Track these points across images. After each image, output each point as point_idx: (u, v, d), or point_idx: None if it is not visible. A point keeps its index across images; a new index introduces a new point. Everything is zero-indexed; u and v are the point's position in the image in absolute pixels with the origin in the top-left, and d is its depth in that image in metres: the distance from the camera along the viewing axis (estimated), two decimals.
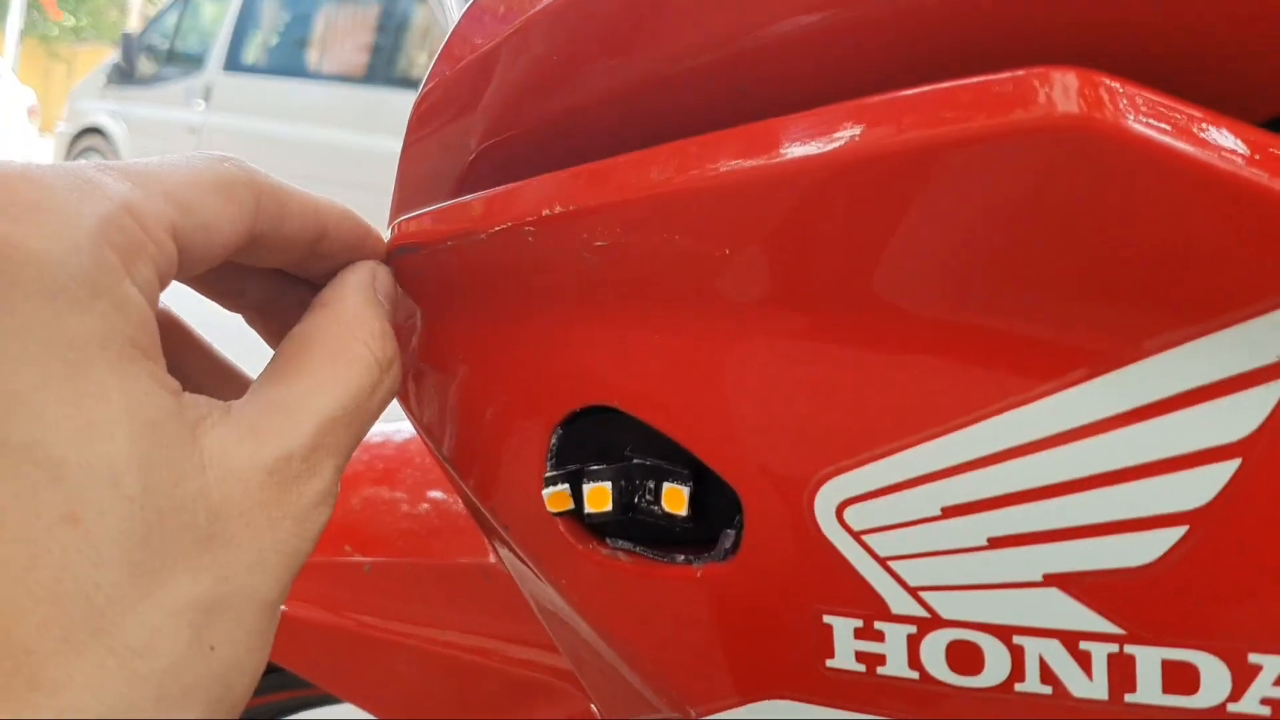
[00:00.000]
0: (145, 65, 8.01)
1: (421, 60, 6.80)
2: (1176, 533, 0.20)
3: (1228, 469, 0.19)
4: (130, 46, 8.02)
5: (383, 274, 0.27)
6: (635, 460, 0.25)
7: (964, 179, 0.19)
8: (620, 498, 0.25)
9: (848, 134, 0.20)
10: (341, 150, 6.87)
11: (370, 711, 0.47)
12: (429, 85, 0.29)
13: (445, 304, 0.28)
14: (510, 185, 0.26)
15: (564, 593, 0.26)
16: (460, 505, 0.49)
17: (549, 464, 0.26)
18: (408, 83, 6.79)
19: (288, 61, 7.43)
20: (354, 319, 0.24)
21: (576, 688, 0.39)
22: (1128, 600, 0.20)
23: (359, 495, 0.48)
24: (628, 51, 0.25)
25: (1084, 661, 0.21)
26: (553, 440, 0.26)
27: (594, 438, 0.26)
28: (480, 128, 0.29)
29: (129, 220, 0.20)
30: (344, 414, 0.22)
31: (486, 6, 0.28)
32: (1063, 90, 0.19)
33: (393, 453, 0.51)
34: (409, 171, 0.31)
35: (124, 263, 0.19)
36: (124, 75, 8.08)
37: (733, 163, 0.21)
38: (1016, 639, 0.21)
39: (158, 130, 7.75)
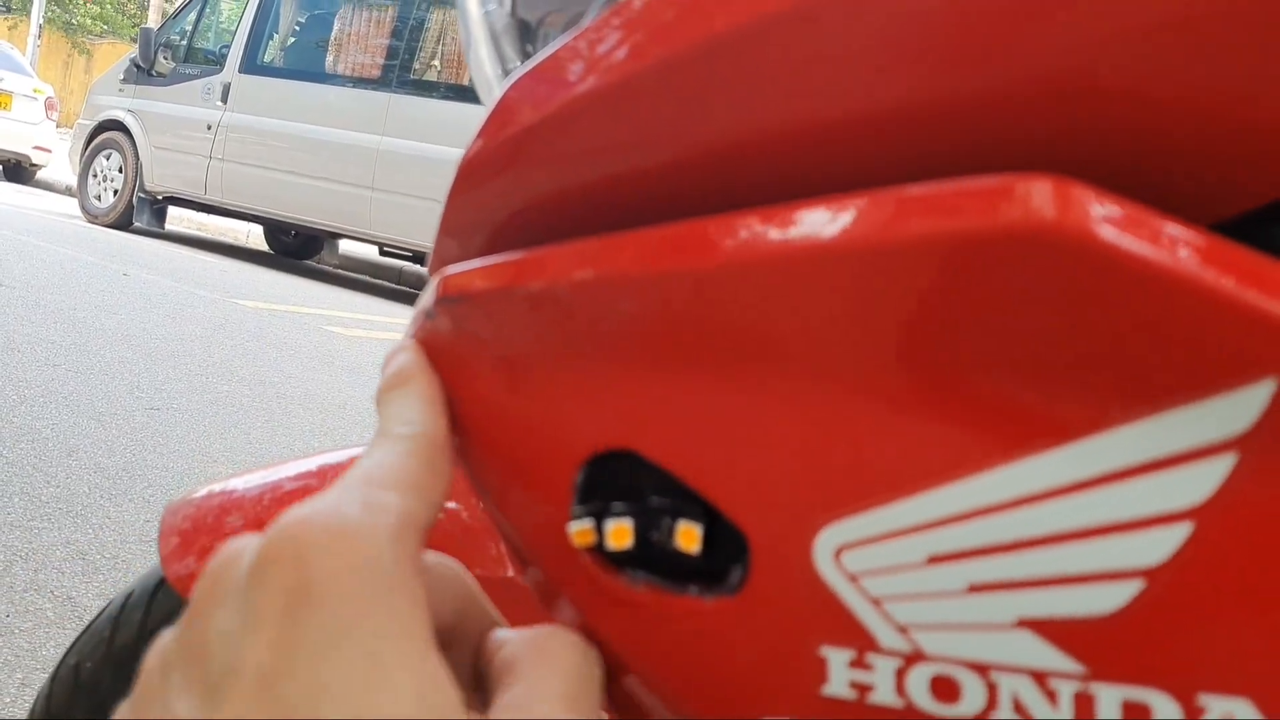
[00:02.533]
0: (163, 63, 8.07)
1: (435, 65, 6.85)
2: (1135, 586, 0.23)
3: (1181, 531, 0.22)
4: (148, 42, 8.09)
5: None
6: (654, 500, 0.28)
7: (950, 270, 0.22)
8: (639, 534, 0.28)
9: (848, 223, 0.23)
10: (355, 151, 6.92)
11: None
12: (476, 147, 0.31)
13: (487, 349, 0.31)
14: (549, 247, 0.29)
15: (586, 617, 0.29)
16: (469, 517, 0.51)
17: (574, 501, 0.29)
18: (421, 86, 6.85)
19: (304, 64, 7.49)
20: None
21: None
22: (1092, 643, 0.23)
23: None
24: (662, 136, 0.28)
25: (1052, 696, 0.24)
26: (578, 479, 0.29)
27: (615, 479, 0.29)
28: (518, 189, 0.31)
29: (409, 528, 0.25)
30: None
31: (533, 80, 0.30)
32: (1039, 196, 0.21)
33: None
34: (451, 221, 0.33)
35: (411, 564, 0.24)
36: (142, 72, 8.14)
37: (740, 242, 0.24)
38: (992, 674, 0.24)
39: (175, 127, 7.82)
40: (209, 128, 7.66)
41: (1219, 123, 0.23)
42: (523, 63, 0.40)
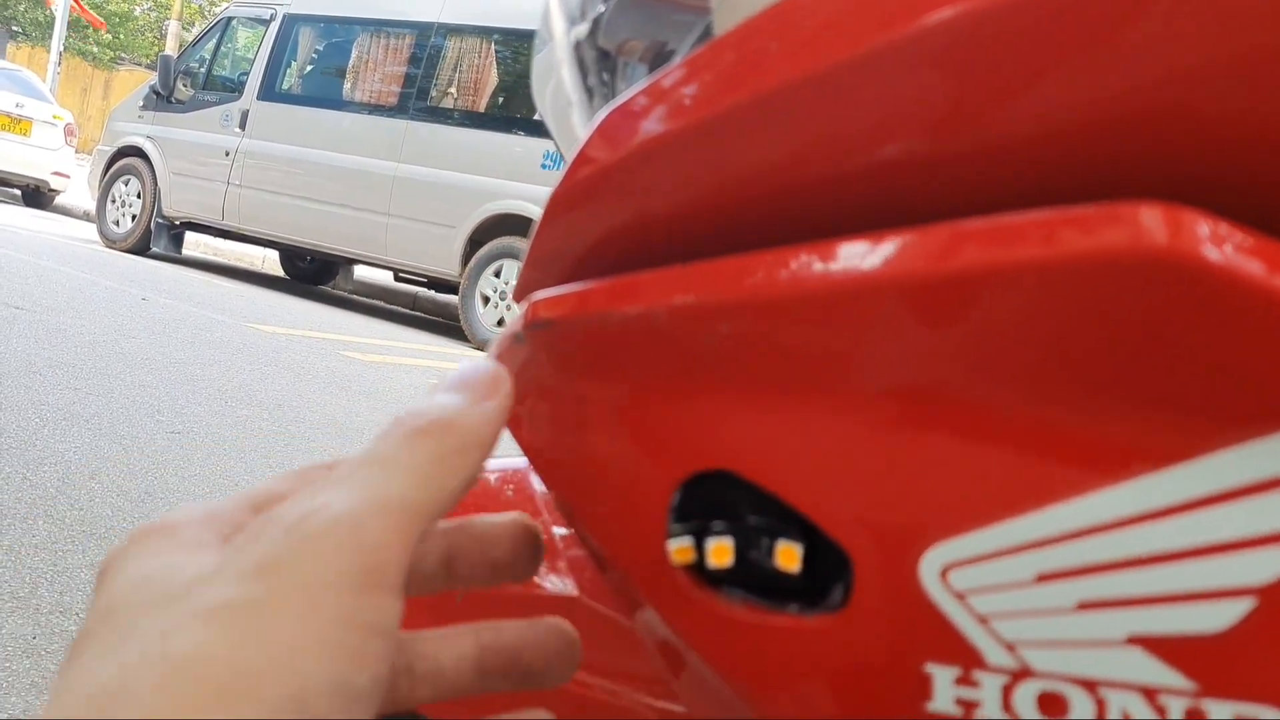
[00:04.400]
0: (182, 89, 8.15)
1: (451, 93, 6.90)
2: (1246, 604, 0.23)
3: None
4: (168, 69, 8.18)
5: None
6: (753, 520, 0.28)
7: (1062, 296, 0.23)
8: (738, 553, 0.28)
9: (952, 251, 0.24)
10: (371, 177, 6.96)
11: None
12: (566, 179, 0.32)
13: (577, 373, 0.31)
14: (641, 273, 0.30)
15: (683, 635, 0.30)
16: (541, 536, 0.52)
17: (671, 520, 0.30)
18: (437, 114, 6.90)
19: (322, 91, 7.56)
20: None
21: None
22: (1202, 660, 0.23)
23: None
24: (746, 171, 0.29)
25: (1161, 712, 0.24)
26: (675, 499, 0.30)
27: (713, 500, 0.29)
28: (602, 220, 0.32)
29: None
30: None
31: (618, 119, 0.31)
32: (1149, 221, 0.22)
33: (477, 486, 0.54)
34: (540, 249, 0.34)
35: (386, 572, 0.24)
36: (161, 99, 8.22)
37: (847, 269, 0.25)
38: (1101, 690, 0.24)
39: (193, 153, 7.89)
40: (227, 154, 7.72)
41: None
42: (599, 88, 0.41)
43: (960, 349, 0.24)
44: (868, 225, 0.27)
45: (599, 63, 0.40)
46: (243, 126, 7.73)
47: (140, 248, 8.14)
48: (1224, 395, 0.23)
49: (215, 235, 8.12)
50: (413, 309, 8.44)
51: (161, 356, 4.10)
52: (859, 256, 0.25)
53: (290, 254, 8.54)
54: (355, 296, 8.77)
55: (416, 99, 7.05)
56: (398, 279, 7.65)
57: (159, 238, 8.12)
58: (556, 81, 0.40)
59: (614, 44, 0.40)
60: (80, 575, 2.00)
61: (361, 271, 8.92)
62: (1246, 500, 0.23)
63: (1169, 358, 0.23)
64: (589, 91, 0.40)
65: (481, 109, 6.80)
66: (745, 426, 0.28)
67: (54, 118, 10.98)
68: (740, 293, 0.27)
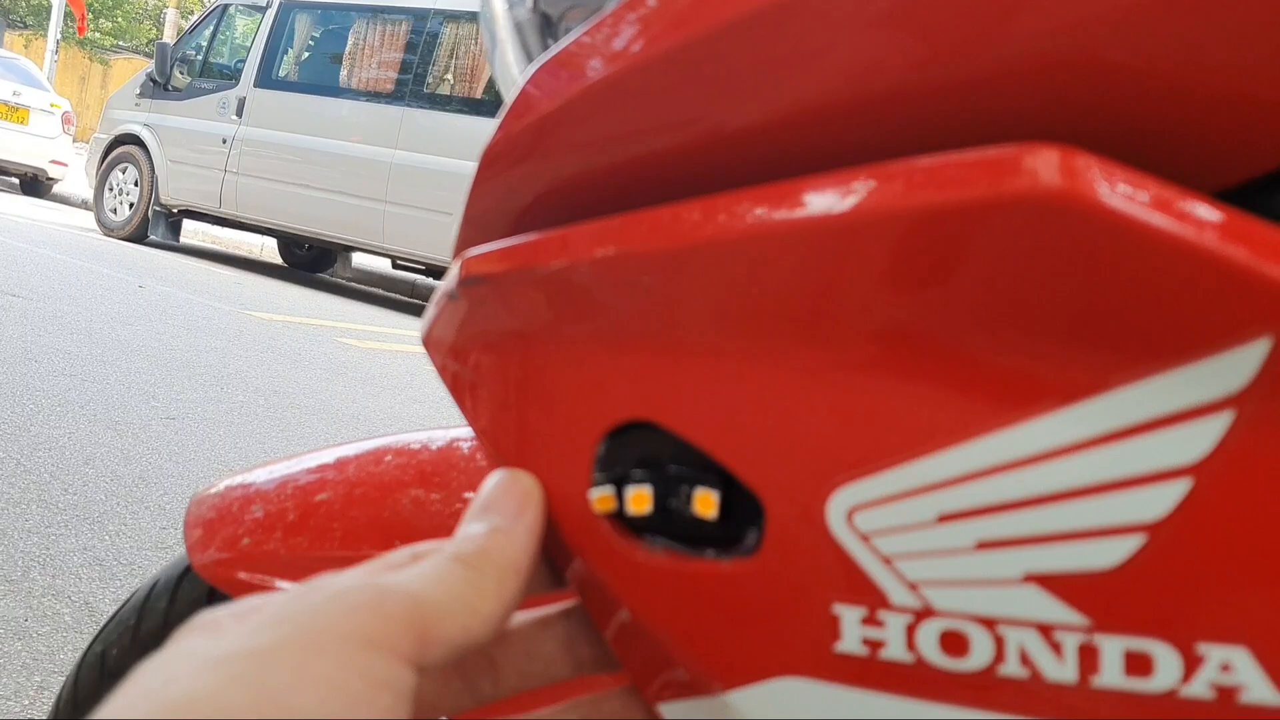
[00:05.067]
0: (179, 77, 8.14)
1: (448, 79, 6.89)
2: (1137, 540, 0.23)
3: (1181, 487, 0.23)
4: (164, 57, 8.16)
5: None
6: (672, 469, 0.29)
7: (958, 239, 0.23)
8: (658, 501, 0.29)
9: (860, 196, 0.24)
10: (368, 165, 6.96)
11: None
12: (498, 135, 0.33)
13: (507, 328, 0.32)
14: (567, 227, 0.30)
15: (608, 582, 0.30)
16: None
17: (596, 471, 0.30)
18: (434, 100, 6.89)
19: (318, 78, 7.54)
20: None
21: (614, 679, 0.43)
22: (1095, 596, 0.24)
23: (406, 494, 0.52)
24: (673, 120, 0.29)
25: (1057, 649, 0.24)
26: (600, 450, 0.30)
27: (635, 449, 0.30)
28: (539, 175, 0.32)
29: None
30: None
31: (551, 69, 0.31)
32: (1046, 165, 0.22)
33: (433, 456, 0.55)
34: (475, 207, 0.35)
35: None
36: (158, 87, 8.21)
37: (758, 217, 0.25)
38: (1000, 628, 0.25)
39: (190, 141, 7.88)
40: (224, 142, 7.71)
41: (1218, 95, 0.24)
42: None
43: (863, 294, 0.25)
44: (789, 174, 0.27)
45: (542, 30, 0.41)
46: (240, 114, 7.72)
47: (138, 236, 8.14)
48: (1116, 335, 0.23)
49: (213, 223, 8.11)
50: (411, 297, 8.44)
51: (157, 343, 4.11)
52: (761, 206, 0.25)
53: (288, 242, 8.54)
54: (353, 284, 8.77)
55: (414, 85, 7.03)
56: (396, 266, 7.65)
57: (157, 226, 8.12)
58: (500, 54, 0.40)
59: (556, 11, 0.40)
60: (73, 559, 2.01)
61: (360, 259, 8.91)
62: (1138, 438, 0.23)
63: (1064, 299, 0.23)
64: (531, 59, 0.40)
65: (479, 95, 6.78)
66: (664, 378, 0.29)
67: (52, 106, 10.97)
68: (654, 244, 0.27)
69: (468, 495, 0.55)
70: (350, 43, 7.44)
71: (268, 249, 9.28)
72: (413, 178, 6.80)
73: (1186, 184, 0.24)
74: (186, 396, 3.38)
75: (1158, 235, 0.22)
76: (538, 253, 0.30)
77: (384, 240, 7.00)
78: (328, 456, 0.62)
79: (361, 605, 0.24)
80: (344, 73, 7.42)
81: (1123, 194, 0.22)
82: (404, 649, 0.24)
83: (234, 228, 7.96)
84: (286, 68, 7.77)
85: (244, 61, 7.91)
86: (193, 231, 9.14)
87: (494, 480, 0.31)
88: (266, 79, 7.72)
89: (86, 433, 2.80)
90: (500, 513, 0.29)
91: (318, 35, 7.74)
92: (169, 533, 2.25)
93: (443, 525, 0.50)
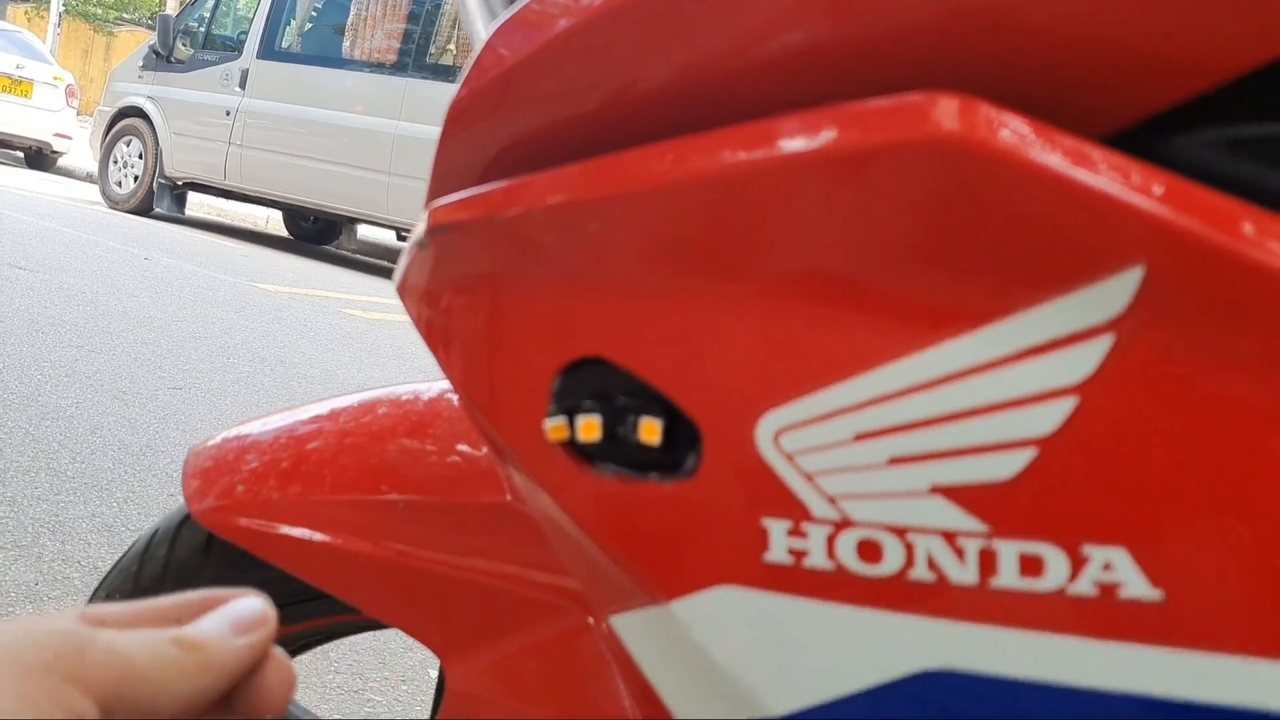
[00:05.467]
0: (182, 49, 8.13)
1: (451, 49, 6.88)
2: (1029, 453, 0.26)
3: (1068, 405, 0.25)
4: (167, 28, 8.15)
5: None
6: (620, 400, 0.31)
7: (868, 179, 0.25)
8: (606, 429, 0.31)
9: (780, 142, 0.26)
10: (372, 136, 6.95)
11: (404, 630, 0.54)
12: (463, 91, 0.35)
13: (472, 272, 0.34)
14: (524, 177, 0.32)
15: (563, 507, 0.33)
16: (479, 453, 0.55)
17: (551, 403, 0.32)
18: (437, 71, 6.88)
19: (321, 49, 7.52)
20: None
21: (577, 605, 0.45)
22: (993, 505, 0.26)
23: (395, 443, 0.54)
24: (627, 73, 0.31)
25: (960, 554, 0.27)
26: (555, 384, 0.32)
27: (588, 384, 0.32)
28: (503, 129, 0.35)
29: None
30: None
31: (514, 25, 0.34)
32: (944, 111, 0.25)
33: (422, 407, 0.57)
34: (443, 162, 0.37)
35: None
36: (161, 59, 8.20)
37: (687, 165, 0.28)
38: (909, 536, 0.27)
39: (194, 113, 7.89)
40: (228, 114, 7.71)
41: (1102, 44, 0.26)
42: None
43: (784, 233, 0.27)
44: (731, 122, 0.29)
45: None
46: (243, 86, 7.71)
47: (143, 208, 8.15)
48: (1009, 266, 0.25)
49: (219, 196, 8.12)
50: None
51: (163, 315, 4.14)
52: (690, 155, 0.28)
53: (294, 214, 8.55)
54: (358, 256, 8.79)
55: (417, 56, 7.02)
56: (400, 238, 7.67)
57: (162, 198, 8.13)
58: (466, 12, 0.42)
59: None
60: (81, 525, 2.04)
61: (365, 231, 8.93)
62: (1029, 361, 0.26)
63: (964, 233, 0.25)
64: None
65: None
66: (612, 316, 0.31)
67: (55, 79, 10.95)
68: (599, 191, 0.30)
69: (458, 445, 0.58)
70: (353, 13, 7.42)
71: (273, 221, 9.30)
72: (416, 149, 6.80)
73: (1078, 130, 0.26)
74: (193, 367, 3.42)
75: (1042, 173, 0.24)
76: (497, 202, 0.33)
77: (388, 212, 7.00)
78: (322, 408, 0.64)
79: (69, 647, 0.25)
80: (347, 44, 7.40)
81: (1012, 137, 0.24)
82: (97, 694, 0.26)
83: (239, 200, 7.98)
84: (289, 39, 7.75)
85: (246, 33, 7.89)
86: (198, 204, 9.15)
87: (243, 599, 0.31)
88: (269, 50, 7.70)
89: (94, 402, 2.84)
90: (234, 623, 0.29)
91: (320, 6, 7.71)
92: (175, 499, 2.29)
93: (427, 471, 0.53)
